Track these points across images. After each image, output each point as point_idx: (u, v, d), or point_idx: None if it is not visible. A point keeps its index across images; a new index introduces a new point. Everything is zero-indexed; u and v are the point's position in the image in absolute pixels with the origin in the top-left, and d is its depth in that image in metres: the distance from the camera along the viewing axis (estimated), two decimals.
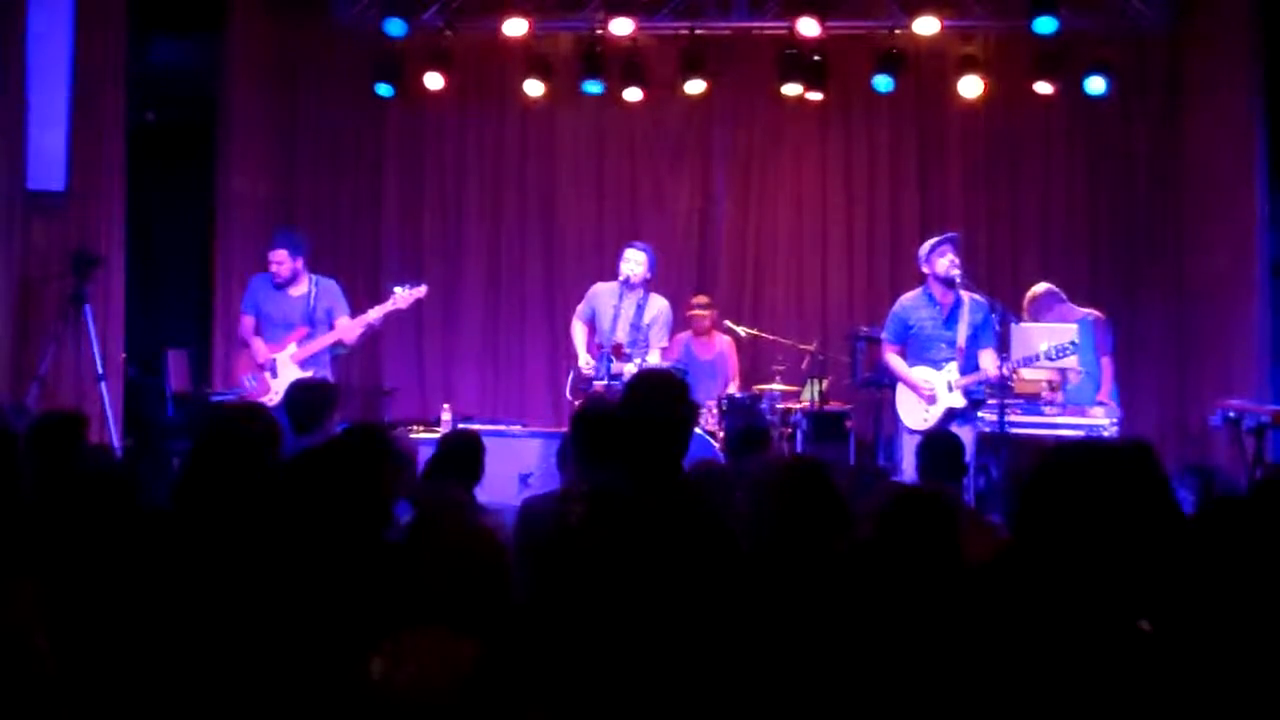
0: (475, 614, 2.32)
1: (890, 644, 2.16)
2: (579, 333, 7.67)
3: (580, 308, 7.75)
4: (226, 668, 2.06)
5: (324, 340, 7.25)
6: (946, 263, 6.76)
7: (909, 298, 7.01)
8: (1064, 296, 7.61)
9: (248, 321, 7.36)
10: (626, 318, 7.48)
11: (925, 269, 6.88)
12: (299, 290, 7.29)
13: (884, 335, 7.05)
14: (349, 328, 7.28)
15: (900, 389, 6.98)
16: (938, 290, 6.85)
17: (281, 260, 7.21)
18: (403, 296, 7.37)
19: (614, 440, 3.30)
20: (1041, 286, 7.66)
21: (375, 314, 7.30)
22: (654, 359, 7.33)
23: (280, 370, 7.12)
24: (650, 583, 1.73)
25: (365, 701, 1.99)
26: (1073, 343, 6.64)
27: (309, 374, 6.76)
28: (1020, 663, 1.91)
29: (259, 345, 7.26)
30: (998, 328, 6.85)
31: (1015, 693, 1.90)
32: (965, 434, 6.50)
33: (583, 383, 7.43)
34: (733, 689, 1.96)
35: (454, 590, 2.39)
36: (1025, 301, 7.63)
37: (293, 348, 7.21)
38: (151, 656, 2.16)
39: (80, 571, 2.41)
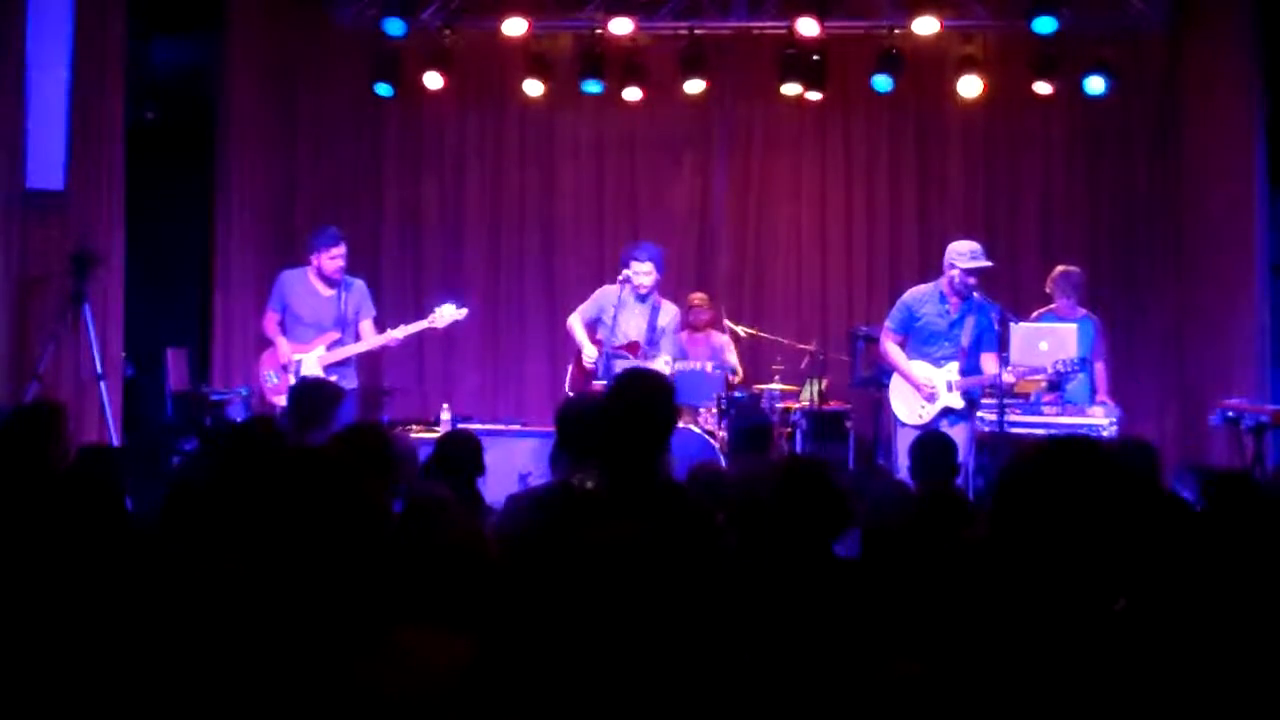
0: (470, 611, 2.32)
1: (882, 638, 2.16)
2: (579, 327, 7.66)
3: (585, 306, 7.72)
4: (222, 667, 2.06)
5: (355, 348, 7.28)
6: (967, 280, 6.73)
7: (920, 290, 6.98)
8: (1075, 283, 7.77)
9: (273, 317, 7.40)
10: (635, 319, 7.48)
11: (950, 270, 6.80)
12: (330, 291, 7.30)
13: (887, 323, 7.01)
14: (381, 339, 7.28)
15: (895, 383, 6.96)
16: (948, 291, 6.83)
17: (343, 260, 7.25)
18: (441, 317, 7.37)
19: (595, 439, 3.30)
20: (1072, 269, 7.86)
21: (407, 331, 7.32)
22: (662, 364, 7.32)
23: (303, 371, 7.10)
24: (628, 582, 1.74)
25: (362, 700, 1.99)
26: (1084, 359, 6.70)
27: (333, 378, 6.74)
28: (1007, 648, 1.92)
29: (283, 344, 7.29)
30: (997, 328, 6.85)
31: (1004, 681, 1.91)
32: (960, 432, 6.51)
33: (584, 377, 7.44)
34: (722, 686, 1.96)
35: (448, 587, 2.39)
36: (1053, 274, 7.86)
37: (321, 350, 7.22)
38: (143, 657, 2.16)
39: (66, 570, 2.42)
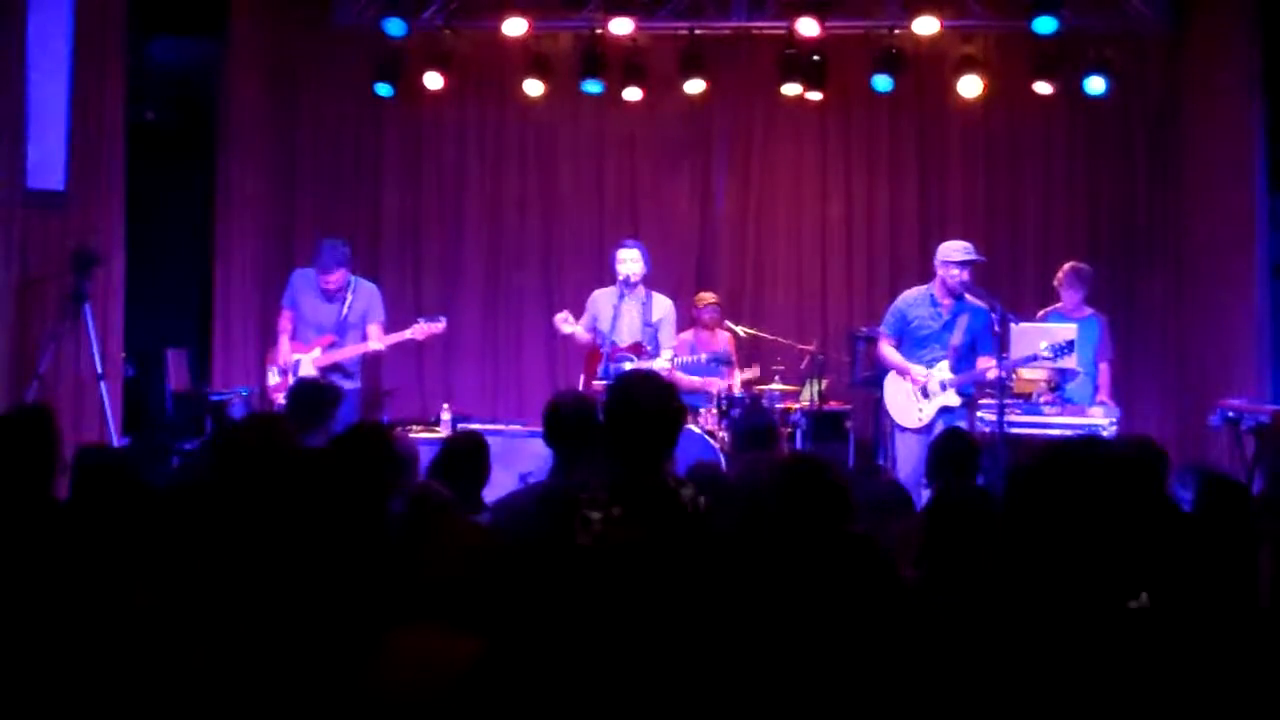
0: (474, 611, 2.32)
1: (881, 636, 2.17)
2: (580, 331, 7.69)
3: (582, 319, 7.75)
4: (226, 665, 2.06)
5: (351, 350, 7.37)
6: (962, 276, 6.74)
7: (912, 294, 7.02)
8: (1085, 279, 7.72)
9: (286, 314, 7.50)
10: (630, 318, 7.48)
11: (939, 270, 6.84)
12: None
13: (881, 328, 7.07)
14: (366, 347, 7.39)
15: (890, 389, 6.98)
16: (940, 293, 6.85)
17: (339, 282, 7.33)
18: (420, 329, 7.46)
19: (589, 438, 3.30)
20: (1081, 265, 7.83)
21: (390, 339, 7.42)
22: (664, 361, 7.32)
23: (301, 371, 7.23)
24: (633, 581, 1.74)
25: (364, 698, 1.99)
26: (1070, 341, 6.68)
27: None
28: (1014, 645, 1.92)
29: (284, 346, 7.40)
30: (997, 328, 6.84)
31: (1011, 680, 1.91)
32: None
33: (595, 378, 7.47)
34: (723, 683, 1.96)
35: (452, 588, 2.39)
36: (1063, 270, 7.83)
37: (317, 352, 7.33)
38: (149, 653, 2.16)
39: (76, 566, 2.42)
